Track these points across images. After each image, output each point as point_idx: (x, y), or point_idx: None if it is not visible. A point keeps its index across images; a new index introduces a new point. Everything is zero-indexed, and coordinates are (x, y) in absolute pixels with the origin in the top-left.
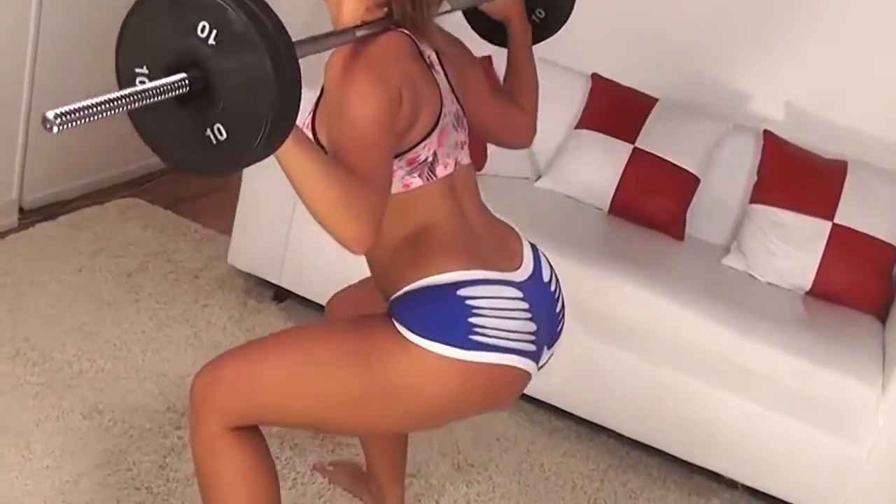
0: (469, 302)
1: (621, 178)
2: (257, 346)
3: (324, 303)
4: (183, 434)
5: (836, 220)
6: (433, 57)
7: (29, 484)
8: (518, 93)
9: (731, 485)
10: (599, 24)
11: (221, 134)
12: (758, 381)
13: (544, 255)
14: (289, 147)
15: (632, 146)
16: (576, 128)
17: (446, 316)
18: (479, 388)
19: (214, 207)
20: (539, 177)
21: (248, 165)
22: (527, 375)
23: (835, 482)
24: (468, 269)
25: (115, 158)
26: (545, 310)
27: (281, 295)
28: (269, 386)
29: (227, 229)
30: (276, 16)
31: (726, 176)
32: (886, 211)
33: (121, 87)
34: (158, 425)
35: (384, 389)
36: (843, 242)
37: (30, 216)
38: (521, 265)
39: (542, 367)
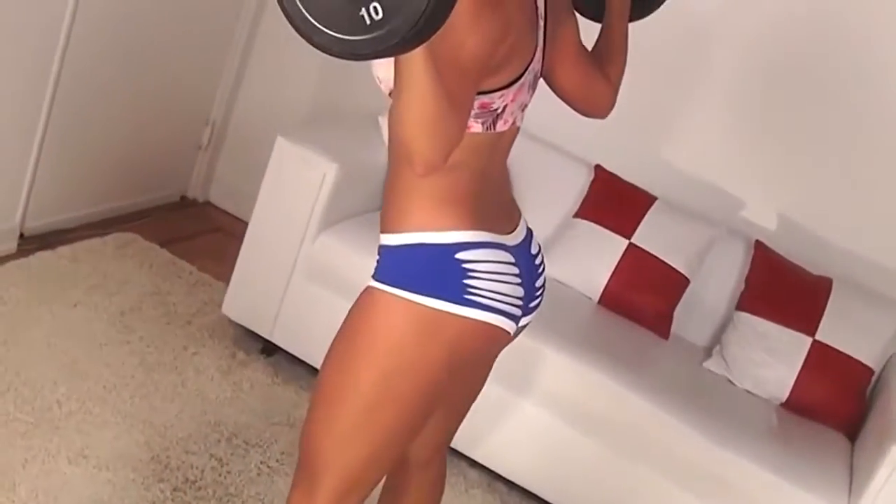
0: (465, 265)
1: (614, 272)
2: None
3: (312, 362)
4: (165, 487)
5: (817, 337)
6: (541, 5)
7: None
8: (606, 62)
9: None
10: (609, 117)
11: (377, 13)
12: (724, 488)
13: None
14: (420, 49)
15: (627, 241)
16: (574, 216)
17: (442, 276)
18: (471, 342)
19: (208, 249)
20: None
21: (388, 55)
22: (508, 336)
23: None
24: (471, 229)
25: (117, 190)
26: (529, 279)
27: (269, 349)
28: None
29: (220, 275)
30: None
31: (715, 280)
32: (867, 332)
33: None
34: (142, 476)
35: (393, 364)
36: (822, 359)
37: (29, 243)
38: (515, 229)
39: (517, 333)
